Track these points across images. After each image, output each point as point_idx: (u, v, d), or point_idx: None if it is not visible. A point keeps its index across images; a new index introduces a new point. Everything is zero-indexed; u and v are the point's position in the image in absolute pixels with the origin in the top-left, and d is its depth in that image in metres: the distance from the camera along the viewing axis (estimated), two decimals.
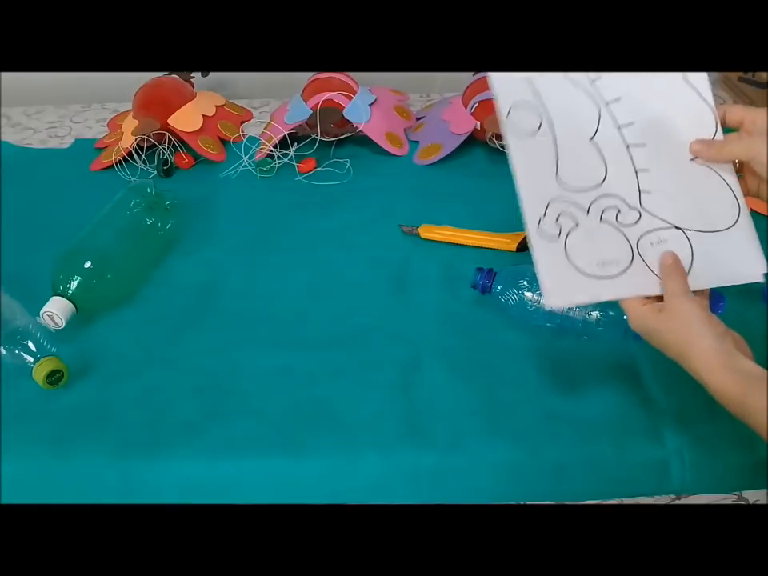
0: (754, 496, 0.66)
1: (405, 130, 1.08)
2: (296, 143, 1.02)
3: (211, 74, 1.16)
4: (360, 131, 1.01)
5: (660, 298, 0.59)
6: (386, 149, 1.02)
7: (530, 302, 0.72)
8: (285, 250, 0.88)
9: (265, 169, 1.00)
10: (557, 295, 0.60)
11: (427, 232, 0.88)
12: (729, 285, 0.62)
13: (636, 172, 0.62)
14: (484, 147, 1.01)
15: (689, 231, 0.62)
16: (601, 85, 0.64)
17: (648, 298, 0.60)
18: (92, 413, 0.68)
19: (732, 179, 0.62)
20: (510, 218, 0.89)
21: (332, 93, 1.01)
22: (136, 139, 1.00)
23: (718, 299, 0.75)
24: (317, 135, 1.00)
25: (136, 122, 1.02)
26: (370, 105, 1.04)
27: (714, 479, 0.64)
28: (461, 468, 0.64)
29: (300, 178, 0.99)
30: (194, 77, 1.13)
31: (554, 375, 0.70)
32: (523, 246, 0.85)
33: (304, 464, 0.64)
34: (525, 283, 0.72)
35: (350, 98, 1.02)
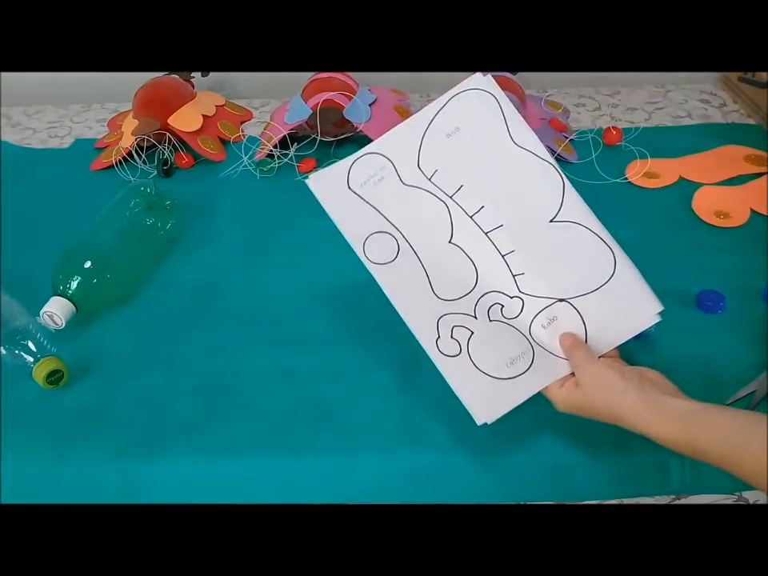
0: (754, 496, 0.66)
1: None
2: (296, 143, 1.02)
3: (211, 74, 1.16)
4: (360, 131, 1.01)
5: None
6: None
7: None
8: (285, 250, 0.88)
9: (265, 169, 1.00)
10: (486, 413, 0.60)
11: None
12: (629, 338, 0.61)
13: (503, 257, 0.61)
14: None
15: (572, 299, 0.61)
16: (438, 178, 0.62)
17: (564, 379, 0.60)
18: (92, 413, 0.68)
19: (597, 226, 0.61)
20: None
21: (332, 93, 1.01)
22: (136, 139, 1.00)
23: (718, 299, 0.75)
24: (317, 135, 1.00)
25: (136, 122, 1.02)
26: (369, 105, 1.04)
27: (713, 479, 0.63)
28: (461, 468, 0.64)
29: (300, 178, 0.99)
30: (193, 77, 1.13)
31: None
32: None
33: (304, 464, 0.64)
34: None
35: (350, 98, 1.02)
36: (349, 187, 0.63)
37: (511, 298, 0.60)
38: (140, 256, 0.84)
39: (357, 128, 1.01)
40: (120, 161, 1.01)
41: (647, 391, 0.55)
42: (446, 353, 0.61)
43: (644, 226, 0.86)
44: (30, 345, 0.70)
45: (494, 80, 0.63)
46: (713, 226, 0.87)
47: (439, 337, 0.61)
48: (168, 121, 1.02)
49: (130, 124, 1.04)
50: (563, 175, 0.62)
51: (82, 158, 1.07)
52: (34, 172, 1.05)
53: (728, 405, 0.65)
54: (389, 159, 0.64)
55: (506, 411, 0.60)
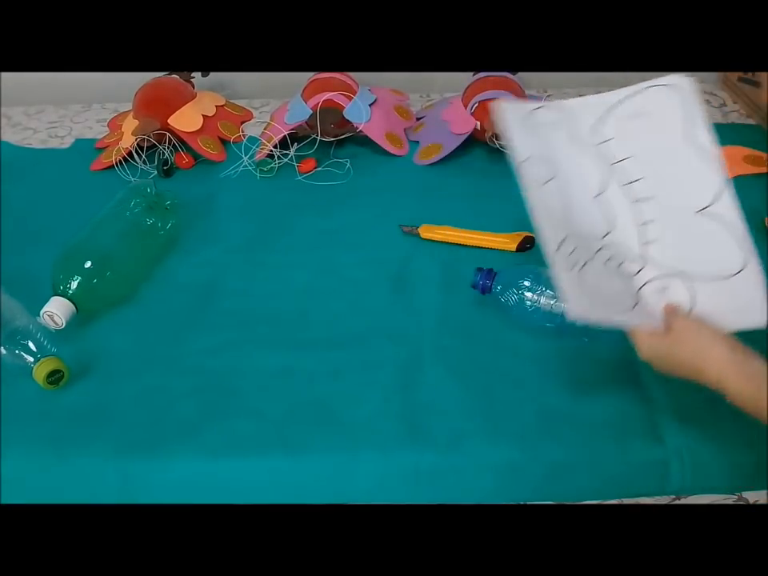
0: (754, 496, 0.66)
1: (405, 129, 1.08)
2: (296, 143, 1.02)
3: (211, 74, 1.16)
4: (360, 131, 1.01)
5: None
6: (386, 149, 1.02)
7: (529, 302, 0.72)
8: (285, 250, 0.88)
9: (265, 169, 1.00)
10: (579, 308, 0.61)
11: (427, 232, 0.88)
12: (731, 331, 0.61)
13: (641, 224, 0.65)
14: (484, 147, 1.01)
15: (691, 279, 0.63)
16: (608, 146, 0.66)
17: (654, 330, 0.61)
18: (92, 413, 0.68)
19: (739, 231, 0.62)
20: (510, 218, 0.90)
21: (332, 93, 1.01)
22: (136, 139, 1.00)
23: None
24: (317, 135, 1.00)
25: (136, 122, 1.02)
26: (370, 105, 1.04)
27: (714, 479, 0.64)
28: (461, 468, 0.64)
29: (300, 178, 0.99)
30: (194, 77, 1.13)
31: (554, 375, 0.69)
32: (523, 246, 0.85)
33: (304, 464, 0.64)
34: (525, 283, 0.73)
35: (350, 98, 1.02)
36: (532, 117, 0.67)
37: (634, 258, 0.64)
38: (140, 256, 0.84)
39: (357, 128, 1.01)
40: (120, 161, 1.01)
41: (737, 350, 0.57)
42: (563, 256, 0.63)
43: None
44: (31, 345, 0.70)
45: (695, 83, 0.65)
46: None
47: (563, 243, 0.63)
48: (168, 121, 1.02)
49: (130, 124, 1.04)
50: (727, 181, 0.63)
51: (83, 158, 1.07)
52: (35, 172, 1.05)
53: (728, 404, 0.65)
54: (573, 115, 0.67)
55: (594, 318, 0.61)
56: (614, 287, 0.63)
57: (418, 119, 1.12)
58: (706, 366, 0.57)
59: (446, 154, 1.00)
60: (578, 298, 0.61)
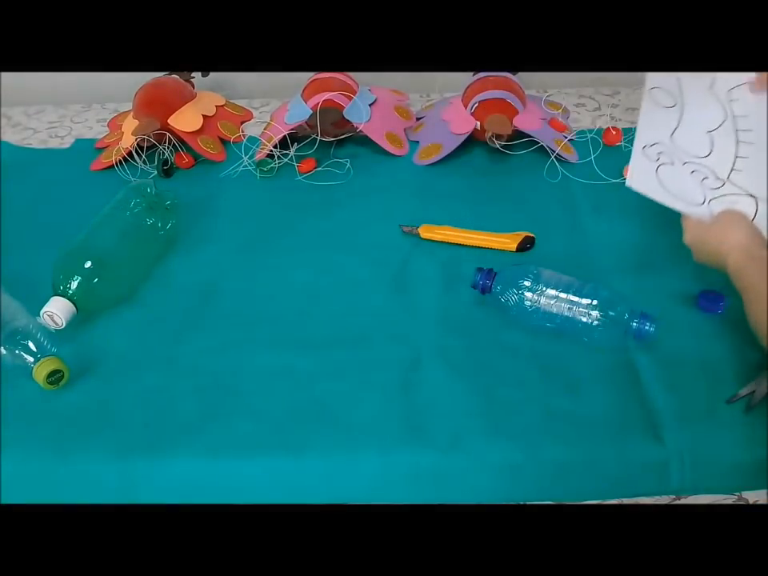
0: (754, 496, 0.66)
1: (405, 129, 1.08)
2: (296, 143, 1.02)
3: (211, 74, 1.16)
4: (360, 131, 1.01)
5: None
6: (386, 149, 1.02)
7: (529, 302, 0.72)
8: (285, 250, 0.88)
9: (265, 169, 1.00)
10: (638, 181, 0.76)
11: (427, 232, 0.88)
12: None
13: (737, 157, 0.74)
14: (484, 147, 1.01)
15: (762, 202, 0.71)
16: (735, 103, 0.75)
17: None
18: (92, 413, 0.68)
19: None
20: (510, 218, 0.90)
21: (332, 93, 1.01)
22: (136, 139, 1.00)
23: (717, 299, 0.75)
24: (317, 135, 1.00)
25: (136, 122, 1.02)
26: (369, 105, 1.04)
27: (714, 479, 0.64)
28: (461, 468, 0.64)
29: (300, 178, 0.99)
30: (194, 77, 1.13)
31: (554, 375, 0.70)
32: (523, 246, 0.85)
33: (304, 464, 0.64)
34: (525, 283, 0.72)
35: (350, 98, 1.02)
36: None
37: (718, 178, 0.73)
38: (140, 256, 0.84)
39: (357, 128, 1.01)
40: (120, 161, 1.01)
41: (760, 244, 0.63)
42: (645, 154, 0.77)
43: (644, 225, 0.86)
44: (31, 345, 0.70)
45: None
46: None
47: (650, 146, 0.77)
48: (168, 121, 1.02)
49: (130, 124, 1.04)
50: None
51: (83, 158, 1.07)
52: (35, 172, 1.05)
53: (727, 404, 0.65)
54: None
55: (651, 195, 0.75)
56: (687, 185, 0.74)
57: (418, 119, 1.12)
58: (726, 252, 0.62)
59: (446, 153, 1.00)
60: (644, 175, 0.75)
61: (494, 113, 0.98)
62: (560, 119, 1.05)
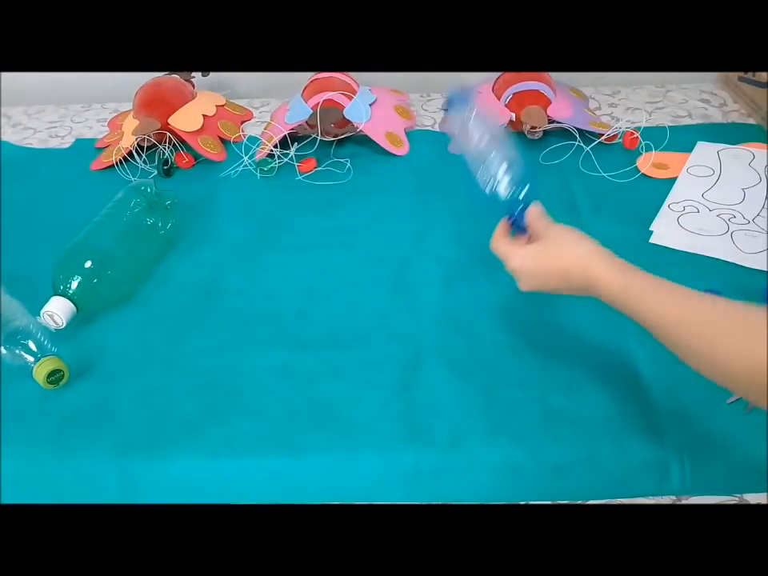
0: (755, 497, 0.66)
1: (405, 129, 1.08)
2: (296, 143, 1.02)
3: (211, 73, 1.16)
4: (360, 131, 1.01)
5: None
6: (386, 149, 1.02)
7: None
8: (285, 250, 0.88)
9: (265, 168, 1.00)
10: (658, 236, 0.84)
11: None
12: None
13: (765, 208, 0.86)
14: None
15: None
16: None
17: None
18: (92, 412, 0.68)
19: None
20: None
21: (332, 93, 1.01)
22: (136, 139, 1.01)
23: None
24: (317, 135, 1.00)
25: (136, 122, 1.02)
26: (370, 105, 1.04)
27: (713, 480, 0.63)
28: (461, 468, 0.64)
29: (300, 177, 0.99)
30: (194, 77, 1.13)
31: (554, 375, 0.69)
32: None
33: (304, 463, 0.64)
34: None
35: (351, 98, 1.02)
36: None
37: (744, 218, 0.85)
38: (140, 255, 0.84)
39: (357, 128, 1.01)
40: (120, 160, 1.01)
41: (605, 251, 0.58)
42: (671, 212, 0.88)
43: (644, 226, 0.86)
44: (31, 344, 0.70)
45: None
46: None
47: (677, 203, 0.90)
48: (168, 121, 1.02)
49: (130, 124, 1.04)
50: None
51: (83, 158, 1.07)
52: (35, 172, 1.05)
53: (727, 404, 0.65)
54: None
55: (671, 246, 0.84)
56: (710, 222, 0.85)
57: (446, 110, 1.12)
58: (571, 266, 0.56)
59: None
60: (666, 227, 0.85)
61: (529, 104, 0.99)
62: (585, 106, 1.06)
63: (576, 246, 0.58)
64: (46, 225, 0.93)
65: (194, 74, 1.13)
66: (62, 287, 0.75)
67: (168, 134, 1.02)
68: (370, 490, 0.64)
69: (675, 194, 0.89)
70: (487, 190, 0.65)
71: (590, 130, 1.00)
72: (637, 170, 0.95)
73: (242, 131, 1.10)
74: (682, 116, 1.10)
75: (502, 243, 0.63)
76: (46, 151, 1.11)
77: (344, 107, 1.01)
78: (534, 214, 0.63)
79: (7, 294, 0.75)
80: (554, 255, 0.59)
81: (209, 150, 1.03)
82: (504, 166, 0.65)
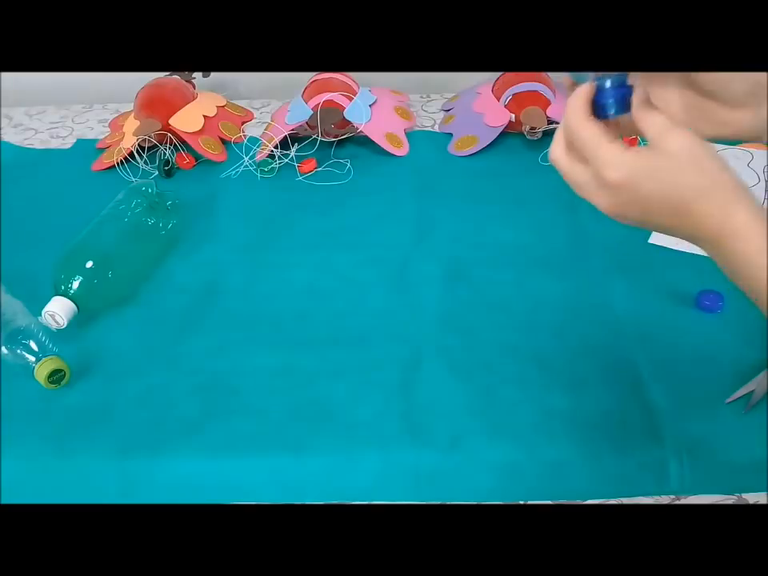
0: (755, 496, 0.66)
1: (405, 130, 1.08)
2: (297, 144, 1.02)
3: (212, 74, 1.16)
4: (360, 132, 1.01)
5: None
6: (386, 149, 1.02)
7: None
8: (285, 250, 0.88)
9: (265, 169, 1.00)
10: (657, 236, 0.83)
11: None
12: None
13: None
14: (487, 147, 1.01)
15: None
16: None
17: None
18: (93, 412, 0.68)
19: None
20: (510, 218, 0.90)
21: (332, 93, 1.01)
22: (137, 139, 1.01)
23: (717, 299, 0.75)
24: (317, 136, 1.00)
25: (137, 123, 1.03)
26: (370, 105, 1.04)
27: (713, 480, 0.64)
28: (461, 467, 0.64)
29: (300, 178, 0.99)
30: (195, 77, 1.14)
31: (554, 375, 0.70)
32: None
33: (304, 463, 0.64)
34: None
35: (351, 99, 1.02)
36: None
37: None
38: (141, 256, 0.84)
39: (357, 128, 1.01)
40: (121, 161, 1.01)
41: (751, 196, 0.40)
42: None
43: None
44: (32, 344, 0.70)
45: None
46: None
47: None
48: (169, 121, 1.03)
49: (131, 124, 1.04)
50: None
51: (84, 159, 1.07)
52: (36, 172, 1.05)
53: (727, 404, 0.65)
54: None
55: (669, 246, 0.83)
56: None
57: (446, 111, 1.13)
58: (703, 205, 0.39)
59: (484, 146, 1.01)
60: None
61: (529, 105, 0.99)
62: None
63: (721, 171, 0.41)
64: (47, 225, 0.93)
65: (194, 74, 1.14)
66: (63, 287, 0.76)
67: (169, 134, 1.02)
68: (370, 490, 0.64)
69: None
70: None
71: None
72: None
73: (243, 132, 1.10)
74: None
75: (588, 127, 0.44)
76: (48, 152, 1.11)
77: (344, 108, 1.01)
78: (647, 102, 0.44)
79: (8, 294, 0.75)
80: (682, 182, 0.40)
81: (209, 150, 1.04)
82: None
